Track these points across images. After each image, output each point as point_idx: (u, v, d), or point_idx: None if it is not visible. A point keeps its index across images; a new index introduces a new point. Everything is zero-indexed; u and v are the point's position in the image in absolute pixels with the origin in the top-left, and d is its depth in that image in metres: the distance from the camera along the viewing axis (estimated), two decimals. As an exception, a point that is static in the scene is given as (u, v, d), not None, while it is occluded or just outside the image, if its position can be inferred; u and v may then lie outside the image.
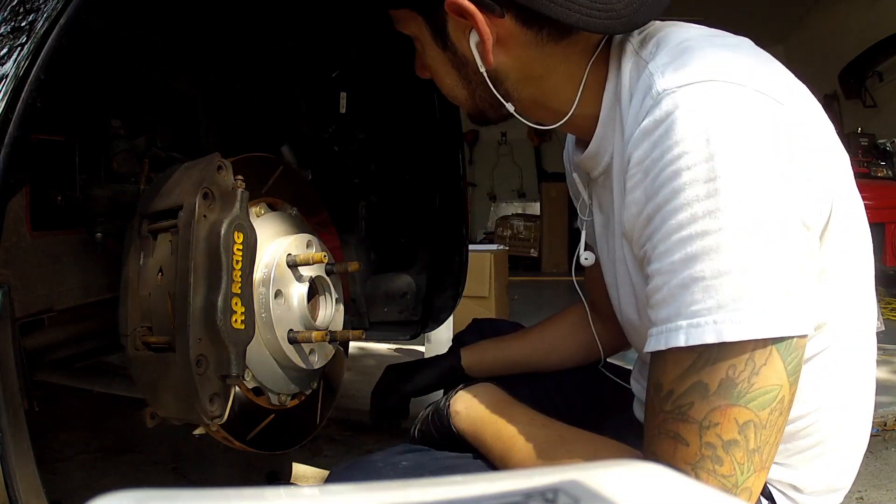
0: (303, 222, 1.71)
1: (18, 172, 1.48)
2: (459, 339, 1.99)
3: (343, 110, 2.05)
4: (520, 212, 12.03)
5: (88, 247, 1.66)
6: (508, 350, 1.88)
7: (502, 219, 11.34)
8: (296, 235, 1.59)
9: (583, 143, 1.37)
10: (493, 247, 5.98)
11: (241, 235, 1.33)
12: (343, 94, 2.06)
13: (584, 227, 1.54)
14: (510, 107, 1.28)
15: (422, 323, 2.45)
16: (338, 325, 1.70)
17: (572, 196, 1.54)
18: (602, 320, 1.79)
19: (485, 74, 1.23)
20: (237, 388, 1.43)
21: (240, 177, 1.39)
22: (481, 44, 1.18)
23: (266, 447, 1.57)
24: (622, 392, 1.76)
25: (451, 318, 2.54)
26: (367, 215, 2.28)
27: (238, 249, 1.34)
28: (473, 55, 1.21)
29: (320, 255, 1.54)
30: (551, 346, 1.86)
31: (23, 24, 1.09)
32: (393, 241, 2.36)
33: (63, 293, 1.62)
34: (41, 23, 1.07)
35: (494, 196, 13.10)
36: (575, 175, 1.47)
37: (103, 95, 1.84)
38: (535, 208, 11.89)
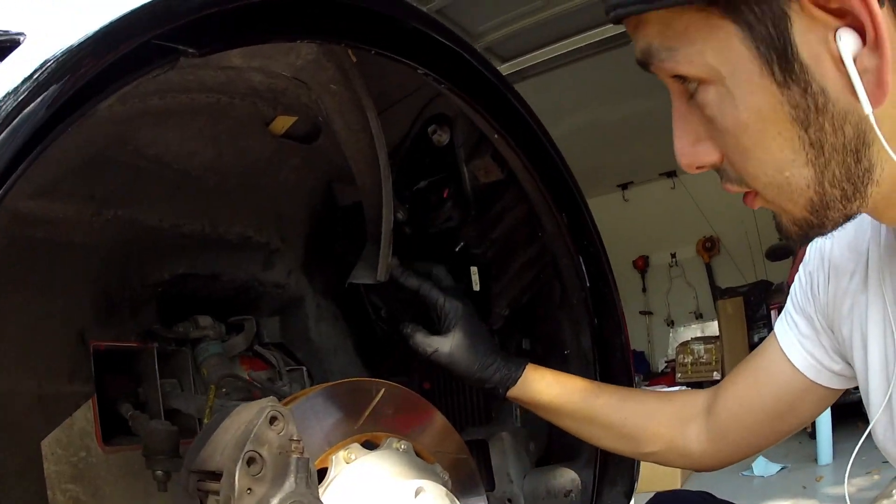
0: (418, 456, 1.40)
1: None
2: None
3: (477, 287, 1.80)
4: (698, 334, 11.70)
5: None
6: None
7: (682, 345, 11.04)
8: (403, 482, 1.27)
9: None
10: (675, 390, 5.72)
11: (301, 516, 1.02)
12: (474, 270, 1.81)
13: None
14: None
15: (589, 526, 2.11)
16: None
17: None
18: (703, 419, 1.57)
19: (871, 118, 0.82)
20: None
21: (296, 436, 1.10)
22: (873, 52, 0.80)
23: None
24: None
25: (623, 517, 2.19)
26: None
27: (294, 540, 1.09)
28: (848, 89, 0.82)
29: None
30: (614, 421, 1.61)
31: None
32: (554, 428, 1.99)
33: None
34: None
35: (672, 321, 12.66)
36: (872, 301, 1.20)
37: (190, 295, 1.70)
38: (713, 328, 11.53)
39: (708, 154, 0.98)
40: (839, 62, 0.82)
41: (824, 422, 5.46)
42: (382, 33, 1.30)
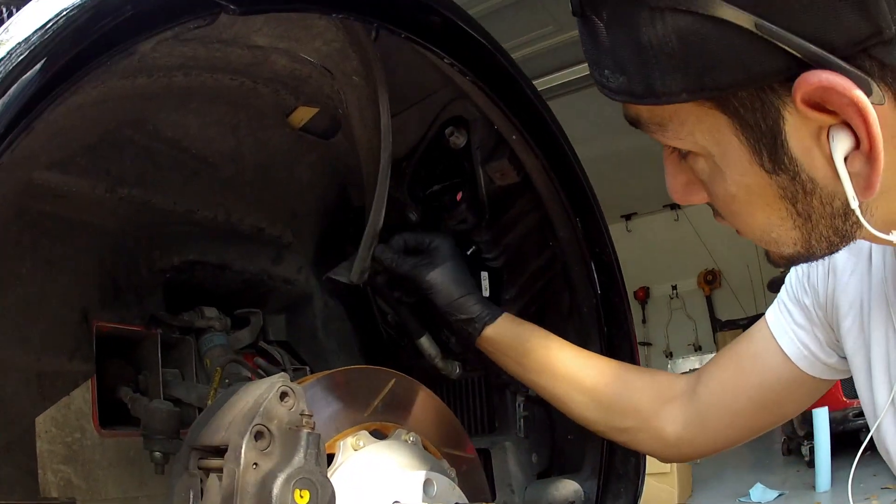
0: (424, 449, 1.38)
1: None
2: None
3: (486, 293, 1.75)
4: (697, 366, 11.54)
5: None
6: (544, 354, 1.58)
7: (680, 376, 10.94)
8: (411, 473, 1.25)
9: None
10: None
11: (308, 494, 1.02)
12: (484, 275, 1.78)
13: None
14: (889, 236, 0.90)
15: (591, 537, 2.08)
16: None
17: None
18: (683, 402, 1.52)
19: (857, 212, 0.85)
20: None
21: (307, 411, 1.09)
22: (866, 160, 0.81)
23: None
24: None
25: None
26: (526, 412, 1.97)
27: (302, 512, 1.07)
28: (837, 179, 0.83)
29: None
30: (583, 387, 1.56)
31: None
32: (558, 439, 2.03)
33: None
34: None
35: (671, 353, 12.72)
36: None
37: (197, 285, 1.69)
38: (712, 360, 11.48)
39: (698, 195, 1.01)
40: (830, 158, 0.83)
41: (822, 449, 5.48)
42: (415, 18, 1.31)
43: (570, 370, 1.57)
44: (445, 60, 1.39)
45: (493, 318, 1.58)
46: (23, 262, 1.33)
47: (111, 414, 1.48)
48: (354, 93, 1.47)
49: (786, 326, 1.39)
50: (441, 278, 1.58)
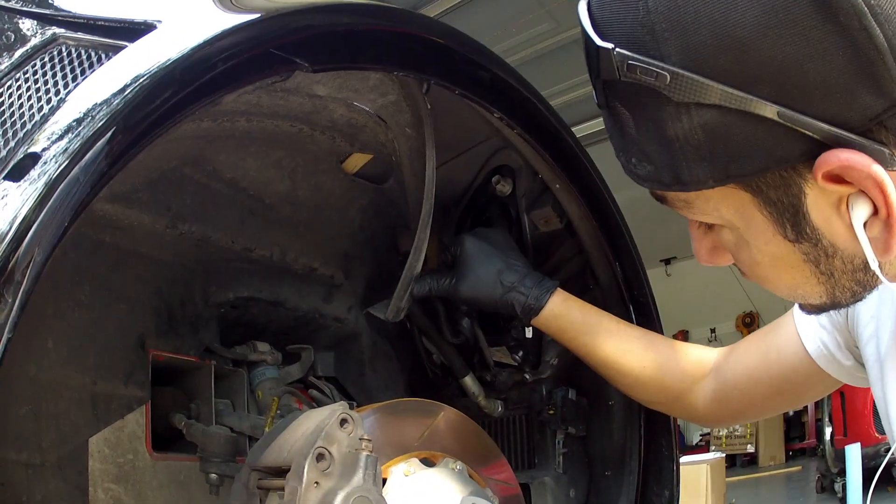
0: (471, 478, 1.42)
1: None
2: None
3: (529, 335, 1.79)
4: None
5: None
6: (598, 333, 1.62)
7: (718, 419, 10.87)
8: (458, 497, 1.30)
9: None
10: (710, 456, 5.61)
11: (365, 511, 1.06)
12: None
13: None
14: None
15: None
16: None
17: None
18: (711, 379, 1.60)
19: (878, 272, 0.89)
20: None
21: (366, 436, 1.14)
22: (884, 226, 0.85)
23: None
24: None
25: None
26: (566, 449, 1.98)
27: (360, 529, 1.11)
28: (856, 243, 0.86)
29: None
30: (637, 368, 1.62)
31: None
32: (595, 475, 2.02)
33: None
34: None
35: None
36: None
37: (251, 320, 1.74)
38: (749, 402, 11.42)
39: (725, 259, 1.05)
40: (849, 225, 0.86)
41: (854, 485, 5.38)
42: (466, 74, 1.37)
43: (609, 358, 1.62)
44: (495, 115, 1.44)
45: (529, 318, 1.61)
46: (81, 288, 1.39)
47: (160, 439, 1.53)
48: (407, 143, 1.54)
49: (810, 325, 1.42)
50: (472, 291, 1.60)
